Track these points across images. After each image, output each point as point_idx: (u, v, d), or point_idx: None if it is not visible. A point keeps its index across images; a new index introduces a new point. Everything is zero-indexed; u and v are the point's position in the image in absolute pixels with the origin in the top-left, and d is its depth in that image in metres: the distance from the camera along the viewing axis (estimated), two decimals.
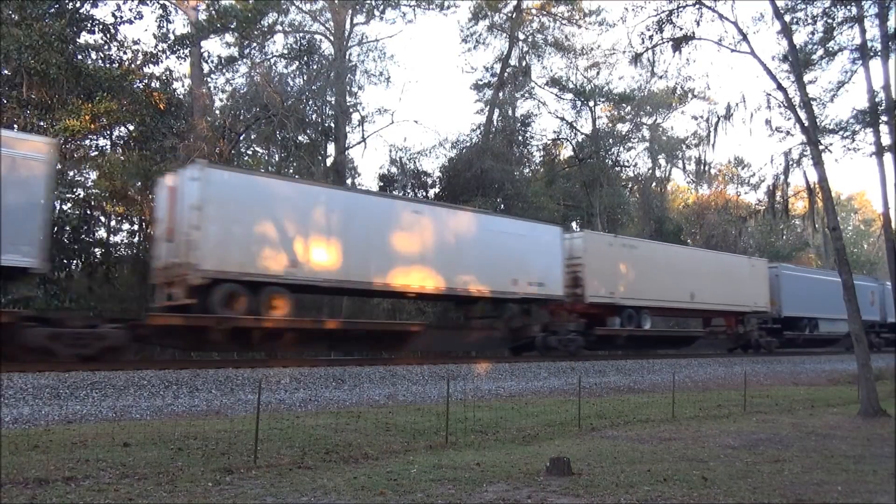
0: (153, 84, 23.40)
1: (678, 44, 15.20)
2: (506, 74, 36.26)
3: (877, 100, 14.77)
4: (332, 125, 30.39)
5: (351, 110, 31.25)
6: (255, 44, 29.79)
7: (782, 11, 14.75)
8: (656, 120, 43.44)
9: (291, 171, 28.70)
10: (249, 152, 31.28)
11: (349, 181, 31.36)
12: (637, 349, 24.39)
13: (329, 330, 16.74)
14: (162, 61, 23.72)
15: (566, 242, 21.29)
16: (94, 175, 22.36)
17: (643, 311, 23.14)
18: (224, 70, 29.48)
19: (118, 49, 23.08)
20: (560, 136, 40.64)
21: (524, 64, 36.76)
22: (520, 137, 37.47)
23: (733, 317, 27.73)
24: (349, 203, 16.93)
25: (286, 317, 15.17)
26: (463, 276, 18.23)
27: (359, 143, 32.11)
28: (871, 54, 14.86)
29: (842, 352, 32.02)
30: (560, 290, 20.32)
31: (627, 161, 43.46)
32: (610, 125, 42.08)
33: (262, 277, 14.80)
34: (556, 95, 39.42)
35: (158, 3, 24.11)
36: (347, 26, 31.09)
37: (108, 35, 22.65)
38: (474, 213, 20.23)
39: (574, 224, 37.38)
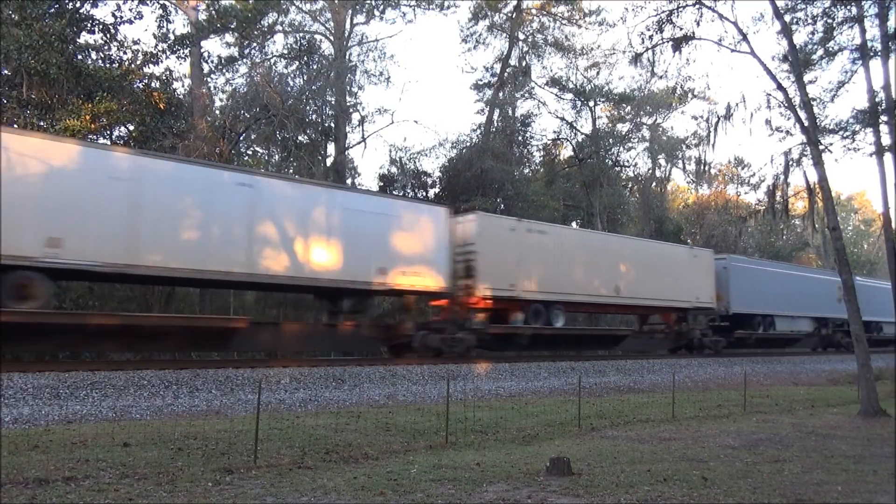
0: (153, 84, 23.40)
1: (678, 44, 15.20)
2: (506, 74, 36.26)
3: (877, 100, 14.78)
4: (332, 125, 30.39)
5: (351, 110, 31.25)
6: (255, 44, 29.80)
7: (782, 11, 14.76)
8: (656, 120, 43.45)
9: (291, 170, 28.68)
10: (249, 152, 31.31)
11: (349, 181, 31.36)
12: (550, 349, 22.18)
13: (101, 326, 13.54)
14: (162, 61, 23.74)
15: (459, 227, 18.62)
16: None
17: (554, 306, 20.26)
18: (224, 70, 29.52)
19: (118, 49, 23.09)
20: (560, 136, 40.66)
21: (524, 64, 36.76)
22: (520, 137, 37.47)
23: (673, 313, 25.00)
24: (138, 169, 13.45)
25: (36, 309, 12.07)
26: (303, 261, 15.16)
27: (359, 143, 32.15)
28: (871, 54, 14.86)
29: (806, 352, 30.79)
30: (445, 282, 17.59)
31: (627, 161, 43.50)
32: (610, 125, 42.08)
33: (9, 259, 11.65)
34: (556, 95, 39.43)
35: (158, 3, 24.13)
36: (347, 26, 31.10)
37: (108, 35, 22.65)
38: (320, 186, 17.13)
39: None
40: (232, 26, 26.43)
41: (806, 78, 15.14)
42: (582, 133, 40.06)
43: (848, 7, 15.12)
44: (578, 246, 21.66)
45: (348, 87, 30.80)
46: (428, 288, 17.39)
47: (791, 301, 28.94)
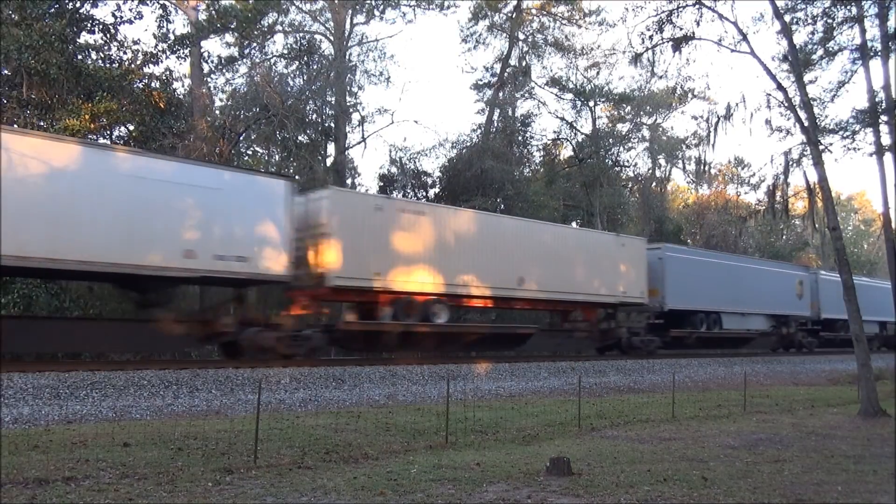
0: (153, 84, 23.42)
1: (678, 44, 15.20)
2: (506, 74, 36.25)
3: (877, 100, 14.78)
4: (332, 125, 30.38)
5: (351, 110, 31.24)
6: (255, 44, 29.80)
7: (782, 11, 14.76)
8: (656, 120, 43.44)
9: (291, 170, 28.68)
10: (249, 152, 31.31)
11: (349, 181, 31.36)
12: (434, 350, 18.85)
13: None
14: (162, 61, 23.75)
15: (310, 205, 16.33)
16: None
17: (435, 300, 17.70)
18: (224, 70, 29.52)
19: (118, 49, 23.11)
20: (560, 136, 40.65)
21: (524, 64, 36.74)
22: (520, 137, 37.45)
23: (595, 309, 22.17)
24: None
25: None
26: (65, 241, 12.15)
27: (359, 143, 32.13)
28: (871, 54, 14.87)
29: (756, 353, 27.78)
30: (282, 269, 14.79)
31: (627, 161, 43.47)
32: (610, 125, 42.08)
33: None
34: (556, 95, 39.42)
35: (158, 3, 24.14)
36: (347, 26, 31.10)
37: (108, 35, 22.67)
38: (90, 146, 13.86)
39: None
40: (232, 26, 26.43)
41: (806, 78, 15.15)
42: (582, 133, 40.09)
43: (848, 7, 15.12)
44: (470, 230, 18.59)
45: (348, 87, 30.80)
46: (257, 275, 14.52)
47: (741, 296, 26.07)
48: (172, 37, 24.14)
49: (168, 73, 24.19)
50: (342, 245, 15.86)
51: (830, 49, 16.18)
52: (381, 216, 16.71)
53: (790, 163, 15.65)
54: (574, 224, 37.55)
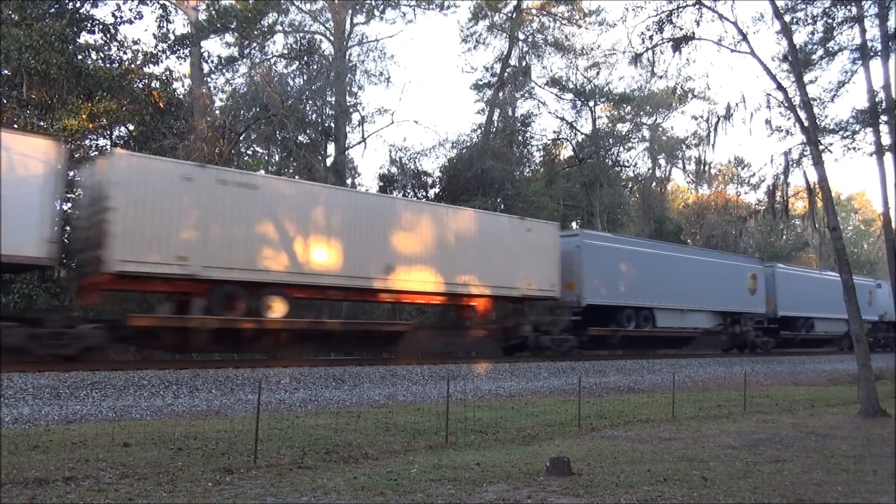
0: (153, 84, 23.42)
1: (678, 44, 15.21)
2: (506, 74, 36.26)
3: (877, 100, 14.79)
4: (332, 125, 30.38)
5: (351, 110, 31.25)
6: (255, 44, 29.81)
7: (782, 11, 14.77)
8: (656, 120, 43.46)
9: (291, 170, 28.68)
10: (249, 152, 31.30)
11: (349, 181, 31.36)
12: (264, 350, 16.32)
13: None
14: (162, 61, 23.78)
15: (93, 174, 14.22)
16: None
17: (266, 289, 14.79)
18: (224, 70, 29.53)
19: (118, 49, 23.12)
20: (560, 136, 40.69)
21: (524, 64, 36.76)
22: (520, 137, 37.46)
23: (495, 304, 19.50)
24: None
25: None
26: None
27: (359, 143, 32.13)
28: (871, 54, 14.88)
29: (699, 355, 25.23)
30: (39, 250, 12.21)
31: (627, 161, 43.51)
32: (610, 125, 42.10)
33: None
34: (556, 95, 39.46)
35: (158, 3, 24.17)
36: (347, 26, 31.12)
37: (108, 35, 22.68)
38: None
39: (575, 222, 37.31)
40: (232, 26, 26.44)
41: (806, 78, 15.16)
42: (582, 133, 40.12)
43: (848, 7, 15.13)
44: (315, 206, 15.67)
45: (348, 87, 30.81)
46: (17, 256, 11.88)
47: (680, 291, 23.38)
48: (172, 37, 24.19)
49: (168, 73, 24.23)
50: (134, 222, 13.07)
51: (830, 49, 16.20)
52: (190, 188, 13.85)
53: (790, 163, 15.66)
54: (574, 224, 37.53)
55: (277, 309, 15.04)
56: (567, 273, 20.35)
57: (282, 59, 30.73)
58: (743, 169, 53.88)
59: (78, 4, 21.97)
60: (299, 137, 28.60)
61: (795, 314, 28.91)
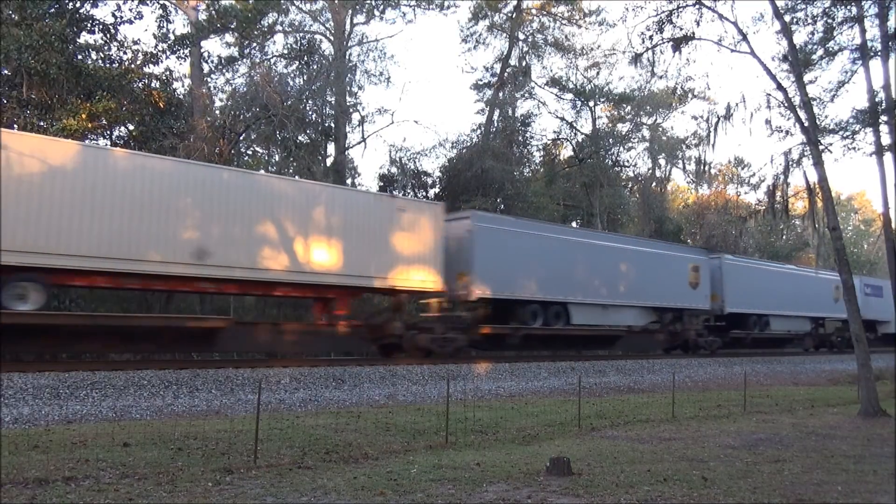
0: (153, 84, 23.43)
1: (678, 44, 15.20)
2: (506, 74, 36.27)
3: (877, 100, 14.79)
4: (332, 125, 30.40)
5: (351, 110, 31.27)
6: (255, 44, 29.82)
7: (782, 11, 14.77)
8: (656, 120, 43.48)
9: (291, 170, 28.67)
10: (249, 152, 31.31)
11: (349, 181, 31.34)
12: (40, 352, 13.98)
13: None
14: (162, 61, 23.80)
15: None
16: None
17: (23, 278, 11.96)
18: (224, 70, 29.54)
19: (118, 49, 23.13)
20: (560, 136, 40.71)
21: (524, 64, 36.78)
22: (520, 137, 37.47)
23: (349, 297, 16.44)
24: None
25: None
26: None
27: (359, 143, 32.16)
28: (871, 54, 14.88)
29: (630, 356, 22.32)
30: None
31: (627, 161, 43.56)
32: (610, 125, 42.13)
33: None
34: (556, 95, 39.48)
35: (158, 3, 24.18)
36: (347, 26, 31.13)
37: (108, 35, 22.69)
38: None
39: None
40: (232, 26, 26.46)
41: (806, 78, 15.16)
42: (582, 133, 40.12)
43: (848, 7, 15.13)
44: (90, 172, 12.51)
45: (348, 87, 30.82)
46: None
47: (602, 284, 20.80)
48: (172, 37, 24.20)
49: (168, 73, 24.25)
50: None
51: (830, 49, 16.20)
52: None
53: (790, 163, 15.63)
54: (574, 224, 37.50)
55: (30, 300, 12.16)
56: (456, 262, 17.64)
57: (282, 59, 30.79)
58: (743, 169, 53.95)
59: (78, 4, 21.97)
60: (299, 137, 28.61)
61: (746, 311, 26.12)
